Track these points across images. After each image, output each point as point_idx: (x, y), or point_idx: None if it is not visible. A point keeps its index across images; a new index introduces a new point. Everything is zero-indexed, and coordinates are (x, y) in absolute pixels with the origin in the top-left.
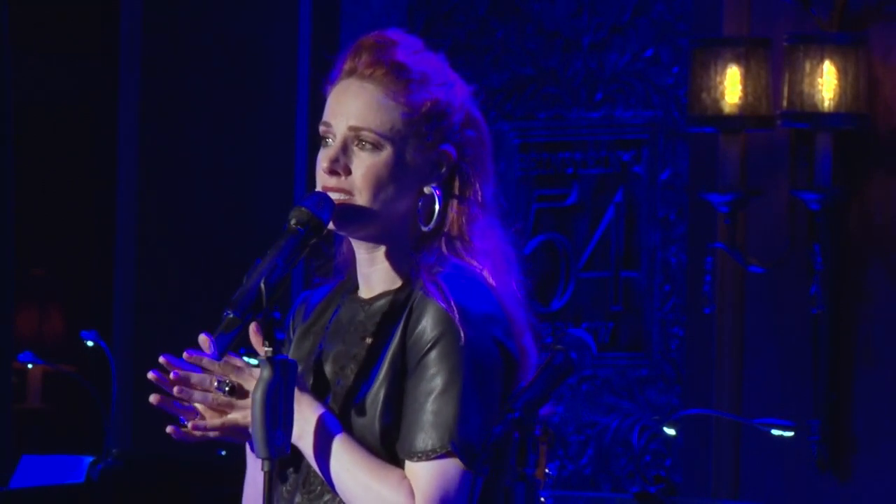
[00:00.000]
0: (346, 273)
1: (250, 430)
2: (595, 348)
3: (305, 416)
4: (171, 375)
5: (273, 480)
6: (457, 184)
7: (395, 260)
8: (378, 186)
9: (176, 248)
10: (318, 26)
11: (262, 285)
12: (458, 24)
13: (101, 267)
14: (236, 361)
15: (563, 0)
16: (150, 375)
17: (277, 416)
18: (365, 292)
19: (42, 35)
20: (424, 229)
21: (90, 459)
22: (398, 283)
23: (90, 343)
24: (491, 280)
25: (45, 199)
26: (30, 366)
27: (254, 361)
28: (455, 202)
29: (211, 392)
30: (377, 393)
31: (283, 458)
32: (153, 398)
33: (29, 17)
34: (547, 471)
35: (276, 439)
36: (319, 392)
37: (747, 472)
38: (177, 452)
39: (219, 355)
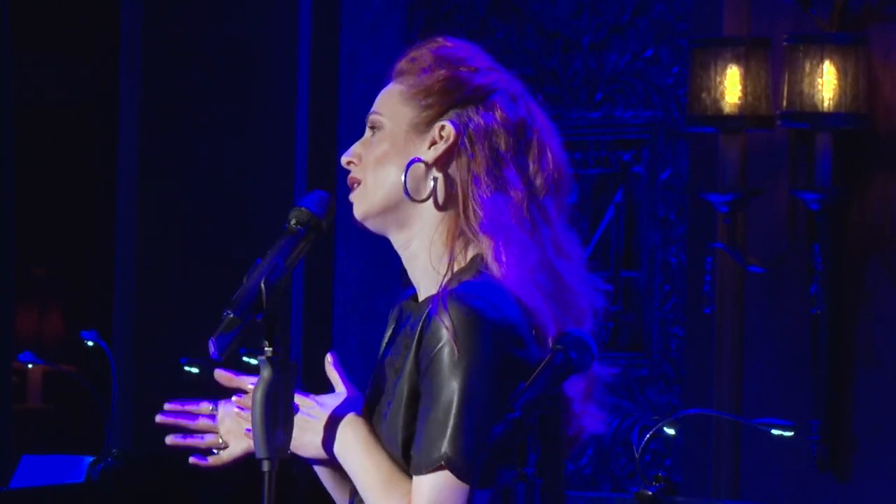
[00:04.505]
0: None
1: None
2: (596, 348)
3: (339, 425)
4: (235, 398)
5: (272, 480)
6: (458, 161)
7: (430, 258)
8: (377, 164)
9: (176, 248)
10: (318, 26)
11: (262, 285)
12: (458, 24)
13: (101, 267)
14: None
15: (563, 0)
16: (159, 419)
17: (277, 416)
18: (419, 296)
19: (42, 35)
20: (406, 199)
21: (90, 459)
22: (437, 286)
23: (90, 343)
24: (494, 265)
25: (46, 200)
26: (30, 366)
27: (254, 361)
28: (458, 178)
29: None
30: (398, 405)
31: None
32: (169, 440)
33: (29, 18)
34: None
35: (276, 439)
36: (374, 399)
37: (747, 472)
38: (177, 453)
39: (219, 355)
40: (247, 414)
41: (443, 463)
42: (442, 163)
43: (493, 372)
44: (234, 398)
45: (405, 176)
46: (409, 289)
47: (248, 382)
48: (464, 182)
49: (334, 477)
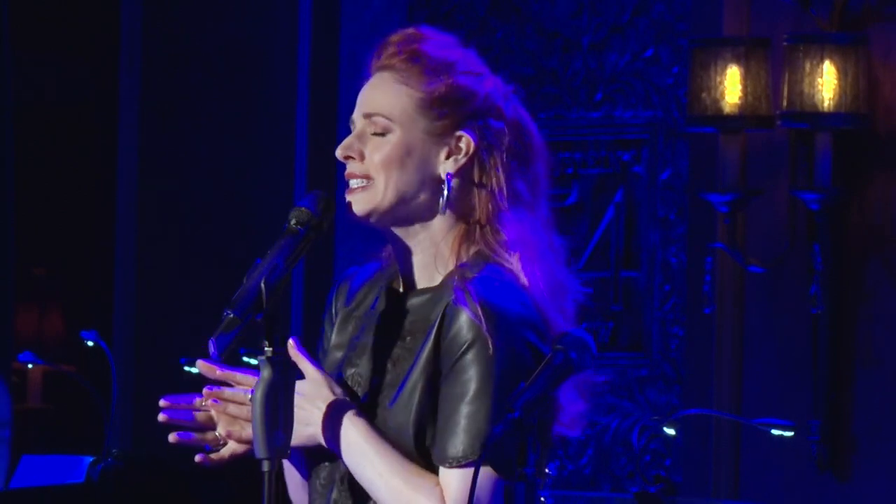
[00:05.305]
0: (390, 260)
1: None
2: (595, 348)
3: (340, 420)
4: (205, 390)
5: (272, 480)
6: (476, 171)
7: (432, 255)
8: (390, 167)
9: (176, 248)
10: (318, 26)
11: (262, 285)
12: (458, 24)
13: (101, 267)
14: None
15: (563, 0)
16: (161, 417)
17: (277, 416)
18: (402, 286)
19: (42, 35)
20: (440, 213)
21: (90, 459)
22: (437, 280)
23: (90, 343)
24: (524, 278)
25: (46, 199)
26: (30, 366)
27: (254, 361)
28: (476, 189)
29: (246, 404)
30: (411, 395)
31: (318, 452)
32: (172, 438)
33: (29, 17)
34: (547, 471)
35: (276, 439)
36: (356, 387)
37: (747, 472)
38: (177, 453)
39: (219, 355)
40: (221, 407)
41: (480, 456)
42: (460, 174)
43: (524, 366)
44: (204, 390)
45: (447, 189)
46: (358, 270)
47: (237, 377)
48: (483, 195)
49: (304, 467)
